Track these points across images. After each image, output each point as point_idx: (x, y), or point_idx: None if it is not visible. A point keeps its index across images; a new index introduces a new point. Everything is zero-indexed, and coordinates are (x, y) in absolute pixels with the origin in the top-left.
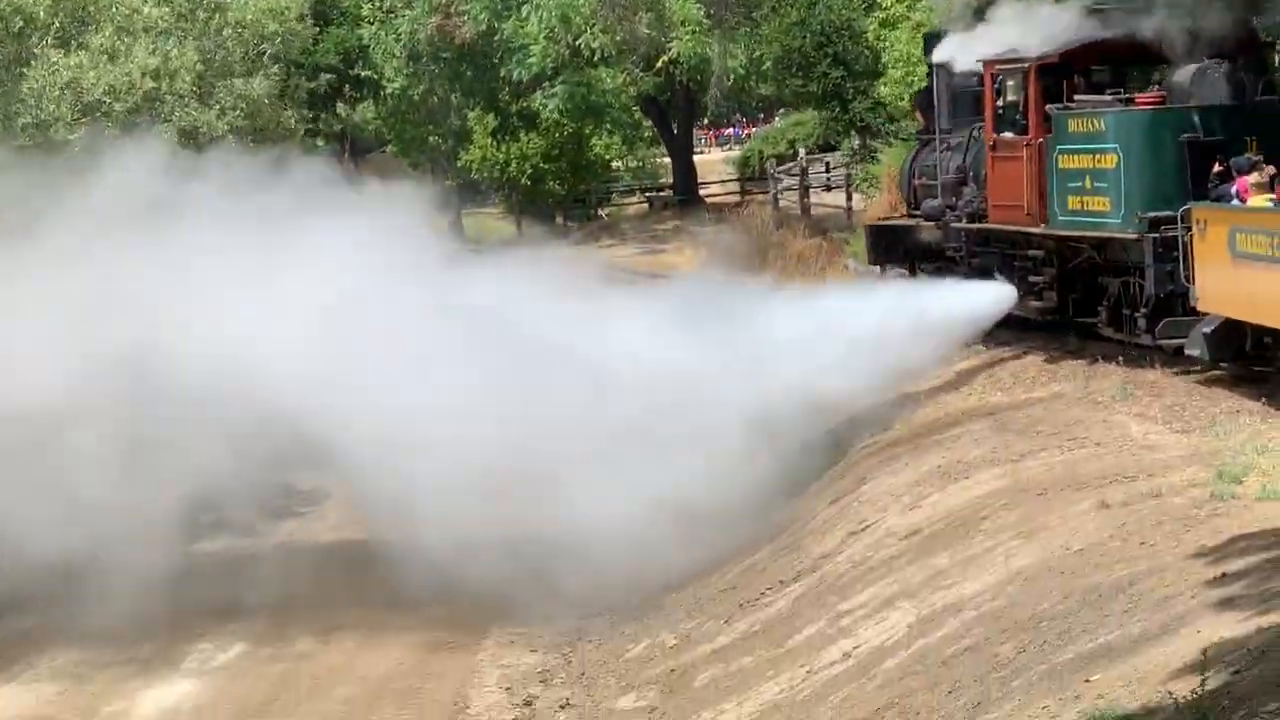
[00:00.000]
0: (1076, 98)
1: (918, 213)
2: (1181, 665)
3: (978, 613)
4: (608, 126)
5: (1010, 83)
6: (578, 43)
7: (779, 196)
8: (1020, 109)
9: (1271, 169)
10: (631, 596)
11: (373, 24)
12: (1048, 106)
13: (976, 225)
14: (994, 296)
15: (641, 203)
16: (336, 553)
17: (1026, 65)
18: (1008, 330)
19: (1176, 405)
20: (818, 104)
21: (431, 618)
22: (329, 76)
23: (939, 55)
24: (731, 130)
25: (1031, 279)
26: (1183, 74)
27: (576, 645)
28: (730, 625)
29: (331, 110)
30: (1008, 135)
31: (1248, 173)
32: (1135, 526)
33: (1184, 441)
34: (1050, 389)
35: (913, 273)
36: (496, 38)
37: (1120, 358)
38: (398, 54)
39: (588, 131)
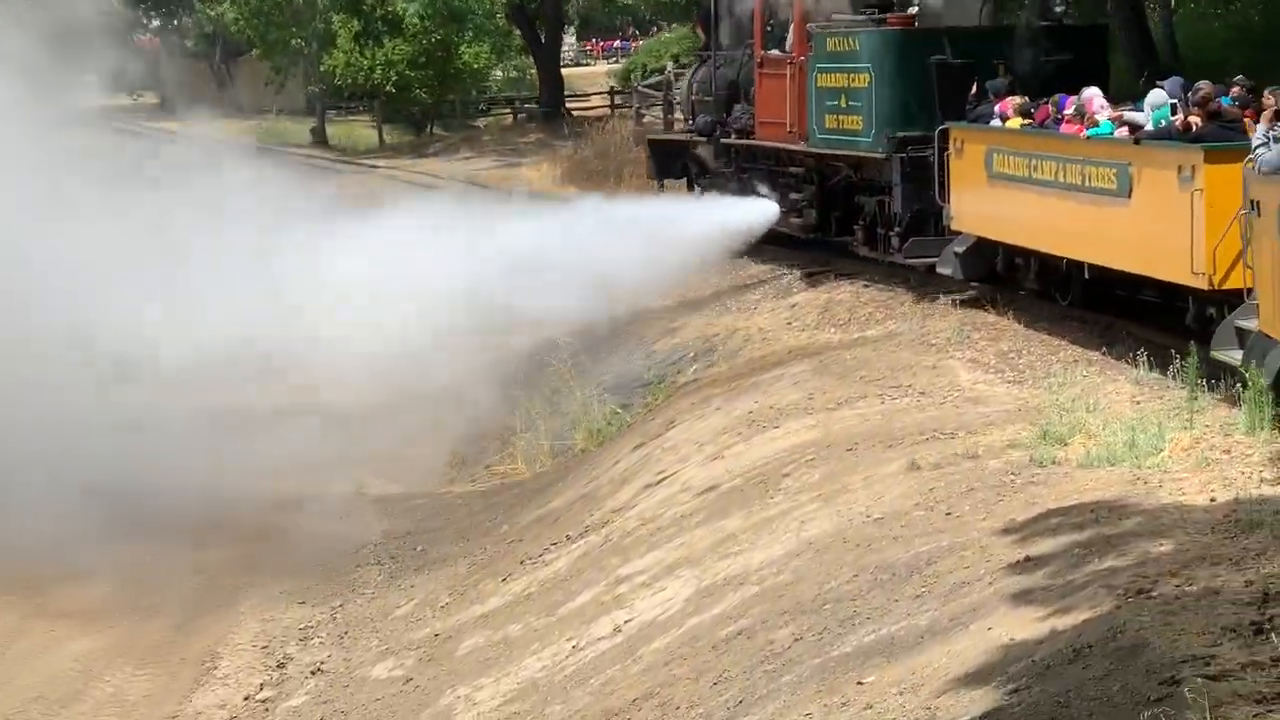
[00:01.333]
0: (834, 17)
1: (693, 128)
2: (962, 673)
3: (760, 588)
4: (470, 33)
5: (780, 1)
6: None
7: (643, 112)
8: (787, 27)
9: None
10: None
11: None
12: (808, 25)
13: (744, 141)
14: (755, 213)
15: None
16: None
17: None
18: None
19: (1012, 352)
20: (683, 16)
21: (198, 557)
22: None
23: None
24: (620, 43)
25: (793, 196)
26: None
27: (348, 599)
28: (506, 585)
29: (190, 10)
30: (775, 53)
31: (1006, 94)
32: (944, 493)
33: (1013, 394)
34: (885, 327)
35: (690, 187)
36: None
37: (957, 296)
38: None
39: (456, 39)
